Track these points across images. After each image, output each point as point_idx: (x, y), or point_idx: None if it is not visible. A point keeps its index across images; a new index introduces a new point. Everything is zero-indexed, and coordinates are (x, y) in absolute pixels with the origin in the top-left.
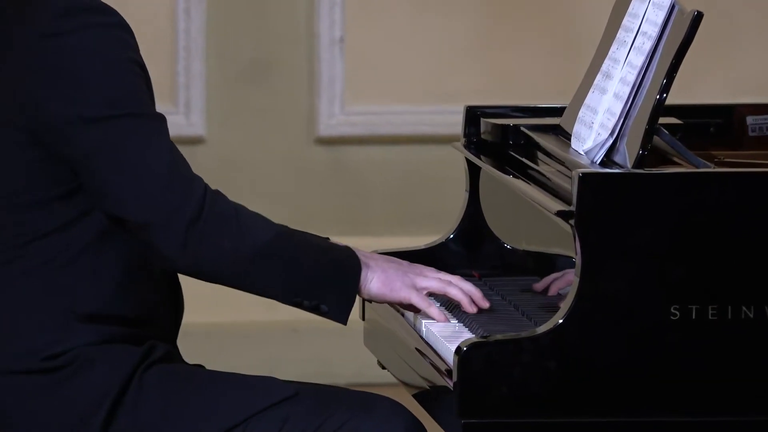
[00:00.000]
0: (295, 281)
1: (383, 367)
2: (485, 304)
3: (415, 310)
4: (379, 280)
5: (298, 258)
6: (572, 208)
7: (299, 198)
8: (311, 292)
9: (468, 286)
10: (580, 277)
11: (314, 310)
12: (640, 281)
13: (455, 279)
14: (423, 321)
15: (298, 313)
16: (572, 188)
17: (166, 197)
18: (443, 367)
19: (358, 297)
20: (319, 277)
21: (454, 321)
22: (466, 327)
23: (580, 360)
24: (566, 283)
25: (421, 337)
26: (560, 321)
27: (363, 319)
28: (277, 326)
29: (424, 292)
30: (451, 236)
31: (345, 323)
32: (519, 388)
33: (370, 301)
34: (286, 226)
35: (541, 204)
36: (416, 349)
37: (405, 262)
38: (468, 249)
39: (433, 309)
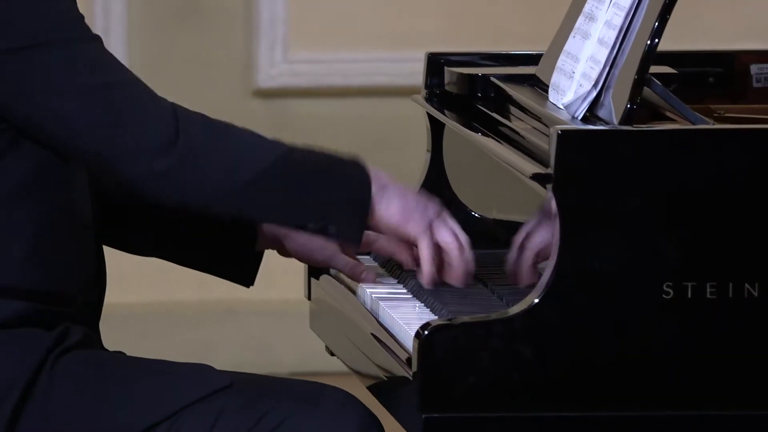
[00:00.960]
0: (299, 205)
1: (332, 354)
2: (467, 282)
3: (406, 256)
4: (398, 205)
5: (301, 180)
6: (550, 170)
7: None
8: (317, 212)
9: (470, 256)
10: (559, 249)
11: (321, 232)
12: (627, 254)
13: (466, 242)
14: (379, 301)
15: (234, 291)
16: (550, 148)
17: (126, 122)
18: (402, 354)
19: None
20: (326, 196)
21: (414, 300)
22: (428, 307)
23: (558, 345)
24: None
25: (377, 320)
26: (536, 300)
27: (309, 298)
28: (210, 306)
29: (434, 241)
30: None
31: (359, 243)
32: (489, 378)
33: (367, 230)
34: (283, 143)
35: (514, 166)
36: (371, 334)
37: (425, 196)
38: None
39: (430, 268)
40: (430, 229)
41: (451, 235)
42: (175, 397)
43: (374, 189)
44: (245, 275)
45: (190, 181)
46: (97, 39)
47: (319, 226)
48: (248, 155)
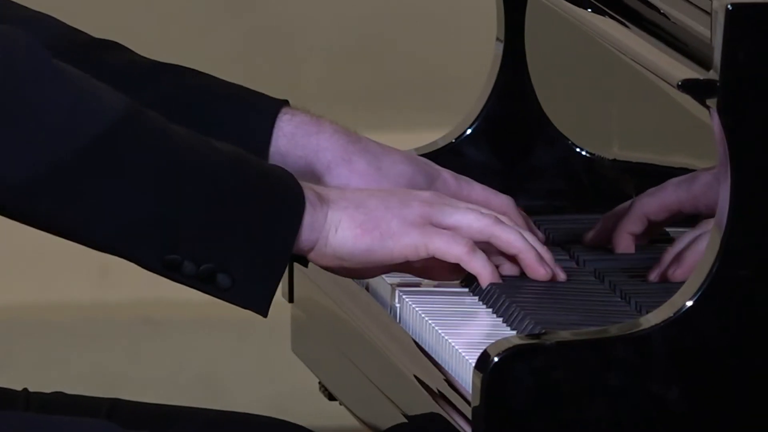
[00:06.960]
0: (167, 216)
1: (330, 397)
2: (560, 274)
3: (438, 273)
4: (353, 221)
5: (179, 170)
6: (713, 75)
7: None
8: (200, 242)
9: (529, 233)
10: (729, 213)
11: (205, 282)
12: None
13: (507, 205)
14: (413, 306)
15: (154, 288)
16: (713, 35)
17: None
18: (454, 399)
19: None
20: (218, 213)
21: (472, 300)
22: (499, 315)
23: (732, 383)
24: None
25: (412, 338)
26: (688, 304)
27: (290, 300)
28: (112, 313)
29: (449, 242)
30: (468, 132)
31: (266, 313)
32: None
33: (332, 270)
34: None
35: (651, 67)
36: (398, 364)
37: (396, 189)
38: (501, 157)
39: (482, 262)
40: (429, 224)
41: (470, 214)
42: None
43: (308, 208)
44: None
45: None
46: None
47: (204, 270)
48: (85, 108)
